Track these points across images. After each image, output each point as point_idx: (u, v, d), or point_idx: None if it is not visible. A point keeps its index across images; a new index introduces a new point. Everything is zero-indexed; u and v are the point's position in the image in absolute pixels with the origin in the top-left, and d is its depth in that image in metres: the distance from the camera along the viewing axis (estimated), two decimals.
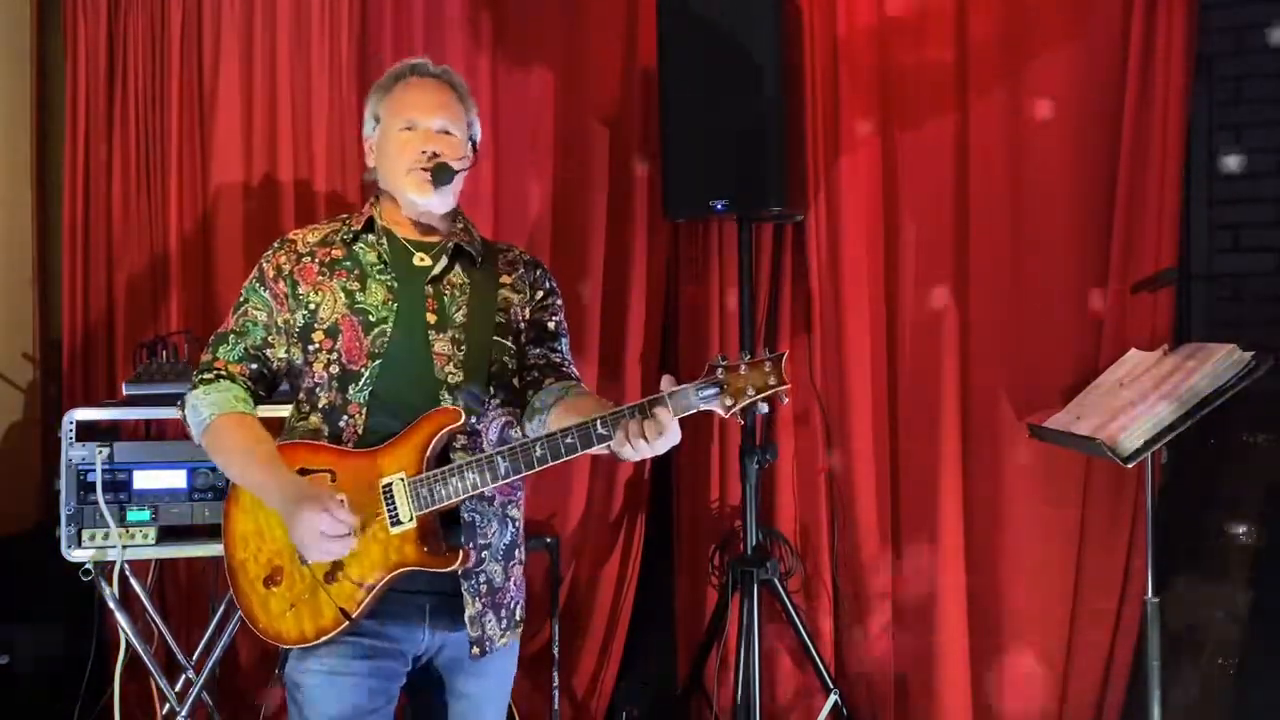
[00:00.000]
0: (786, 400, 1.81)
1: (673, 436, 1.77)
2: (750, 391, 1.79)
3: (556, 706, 3.35)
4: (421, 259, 2.07)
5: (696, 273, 3.53)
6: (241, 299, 2.08)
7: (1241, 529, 2.96)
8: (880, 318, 3.33)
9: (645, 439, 1.76)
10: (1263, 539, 2.92)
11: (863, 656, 3.38)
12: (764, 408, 1.81)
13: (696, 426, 3.50)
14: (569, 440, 1.82)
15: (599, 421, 1.80)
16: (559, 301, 2.18)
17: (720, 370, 1.80)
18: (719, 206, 3.15)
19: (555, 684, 3.34)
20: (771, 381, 1.79)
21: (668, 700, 3.56)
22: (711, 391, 1.79)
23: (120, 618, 2.92)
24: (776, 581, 3.21)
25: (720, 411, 1.80)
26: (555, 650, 3.33)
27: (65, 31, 3.67)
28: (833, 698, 3.23)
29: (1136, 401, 2.68)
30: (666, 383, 1.80)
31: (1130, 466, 2.59)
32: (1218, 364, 2.58)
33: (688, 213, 3.30)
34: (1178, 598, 2.93)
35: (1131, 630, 3.06)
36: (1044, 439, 2.94)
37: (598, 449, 1.82)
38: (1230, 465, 3.04)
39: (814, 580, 3.43)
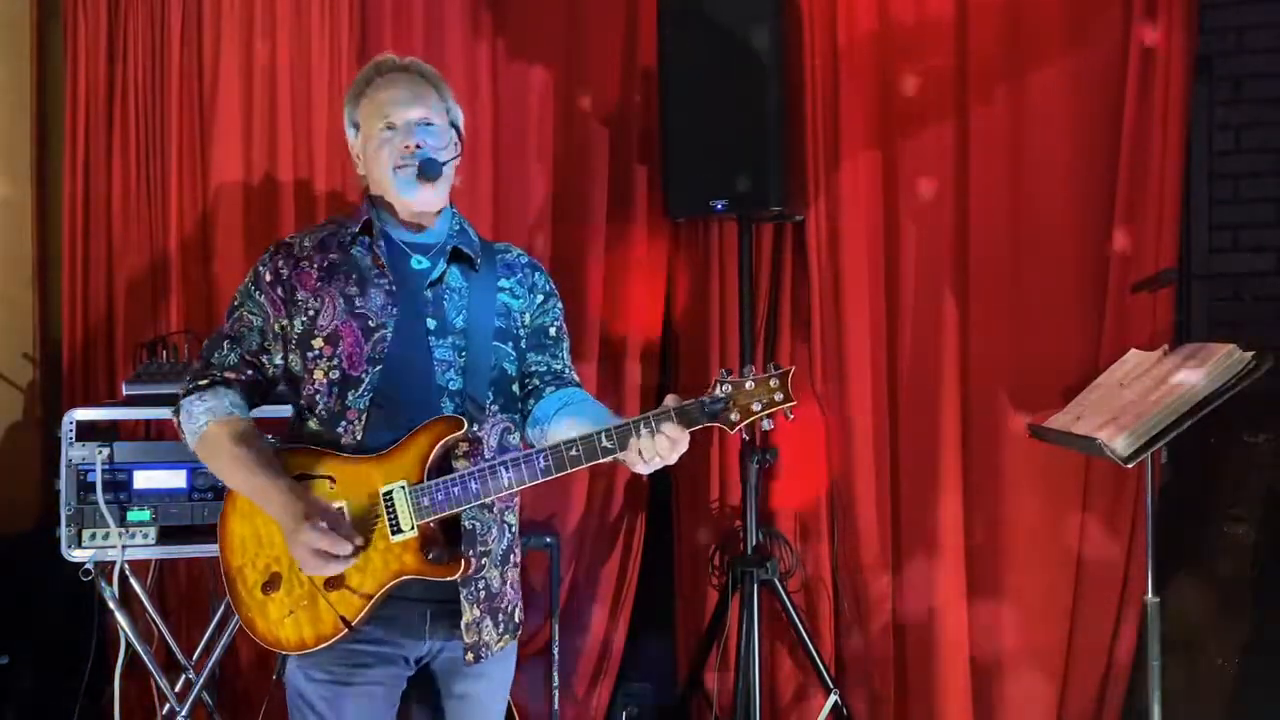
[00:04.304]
0: (792, 417, 1.82)
1: (683, 446, 1.80)
2: (756, 407, 1.79)
3: (556, 706, 3.35)
4: (419, 261, 2.04)
5: (696, 273, 3.54)
6: (236, 303, 2.04)
7: (1241, 529, 2.96)
8: (880, 318, 3.33)
9: (659, 454, 1.78)
10: (1263, 539, 2.92)
11: (863, 656, 3.38)
12: (769, 423, 1.81)
13: None
14: (574, 453, 1.82)
15: (603, 434, 1.81)
16: (559, 305, 2.16)
17: (727, 385, 1.80)
18: (719, 206, 3.15)
19: (555, 684, 3.33)
20: (778, 398, 1.80)
21: (668, 700, 3.56)
22: (718, 407, 1.80)
23: (120, 618, 2.92)
24: (776, 581, 3.21)
25: (725, 427, 1.80)
26: (555, 650, 3.33)
27: (65, 31, 3.66)
28: (833, 698, 3.23)
29: (1136, 401, 2.68)
30: (672, 399, 1.80)
31: (1130, 466, 2.59)
32: (1218, 364, 2.58)
33: (688, 213, 3.30)
34: (1178, 598, 2.93)
35: (1131, 630, 3.07)
36: (1044, 439, 2.94)
37: (601, 461, 1.83)
38: (1230, 465, 3.04)
39: (814, 580, 3.43)
